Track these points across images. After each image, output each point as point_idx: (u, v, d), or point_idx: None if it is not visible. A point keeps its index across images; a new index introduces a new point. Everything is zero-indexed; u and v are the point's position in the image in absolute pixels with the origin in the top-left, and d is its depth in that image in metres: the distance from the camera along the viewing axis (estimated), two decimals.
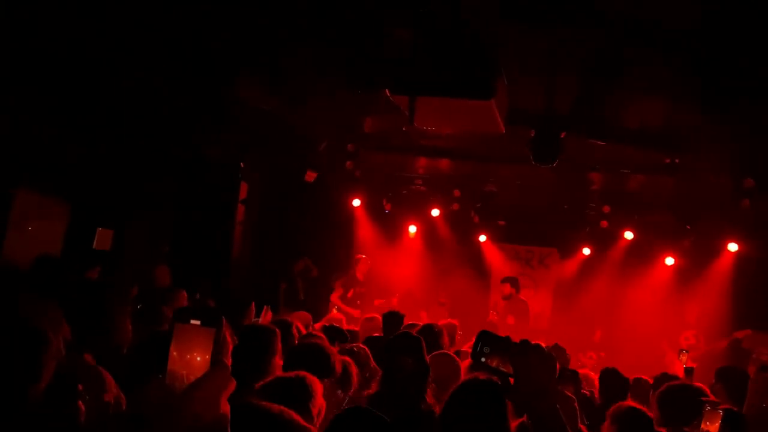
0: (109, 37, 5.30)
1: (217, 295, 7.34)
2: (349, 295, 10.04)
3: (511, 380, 1.74)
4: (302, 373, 2.64)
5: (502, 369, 1.78)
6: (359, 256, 10.38)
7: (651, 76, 4.65)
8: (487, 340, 1.81)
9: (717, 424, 3.08)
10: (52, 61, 5.66)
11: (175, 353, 1.25)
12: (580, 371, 6.64)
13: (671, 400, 3.75)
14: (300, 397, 2.44)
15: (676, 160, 7.24)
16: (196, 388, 1.19)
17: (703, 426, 3.23)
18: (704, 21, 3.67)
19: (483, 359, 1.80)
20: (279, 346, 3.82)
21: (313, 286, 9.99)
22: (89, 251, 8.09)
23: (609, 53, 4.23)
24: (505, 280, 9.97)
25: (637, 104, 5.38)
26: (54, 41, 5.34)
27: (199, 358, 1.24)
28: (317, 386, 2.59)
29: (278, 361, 3.76)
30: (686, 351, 6.22)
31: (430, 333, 4.30)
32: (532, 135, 4.64)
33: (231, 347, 3.10)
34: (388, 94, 4.44)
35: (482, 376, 2.36)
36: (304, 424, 1.38)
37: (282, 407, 1.39)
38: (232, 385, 1.24)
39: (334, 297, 9.85)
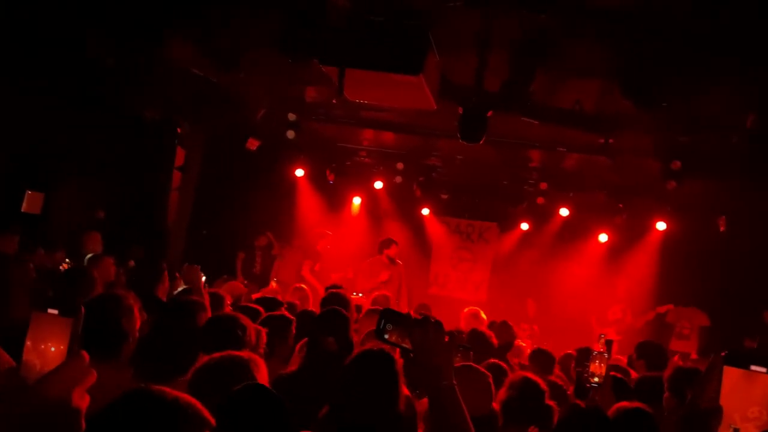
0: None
1: (151, 263, 7.20)
2: (316, 268, 10.08)
3: (411, 356, 1.79)
4: (232, 353, 2.62)
5: (402, 345, 1.83)
6: (323, 231, 10.34)
7: (582, 57, 4.73)
8: (390, 318, 1.85)
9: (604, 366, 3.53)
10: None
11: (29, 343, 1.21)
12: (515, 342, 6.84)
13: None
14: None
15: (610, 141, 7.43)
16: (46, 381, 1.15)
17: (591, 368, 3.59)
18: (641, 6, 3.74)
19: (386, 336, 1.84)
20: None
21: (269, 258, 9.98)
22: (18, 214, 7.79)
23: (540, 33, 4.27)
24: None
25: (569, 84, 5.47)
26: None
27: (53, 349, 1.20)
28: (258, 365, 2.57)
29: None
30: (603, 336, 6.53)
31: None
32: (460, 112, 4.67)
33: (138, 322, 3.04)
34: (319, 64, 4.38)
35: (376, 347, 2.41)
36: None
37: (178, 394, 1.35)
38: (91, 377, 1.20)
39: (305, 271, 9.84)
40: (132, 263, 7.41)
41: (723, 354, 1.40)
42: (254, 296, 6.75)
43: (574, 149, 8.43)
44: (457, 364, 2.70)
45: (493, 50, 4.48)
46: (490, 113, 4.62)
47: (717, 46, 4.10)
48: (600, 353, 4.17)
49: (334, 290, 6.06)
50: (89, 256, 7.15)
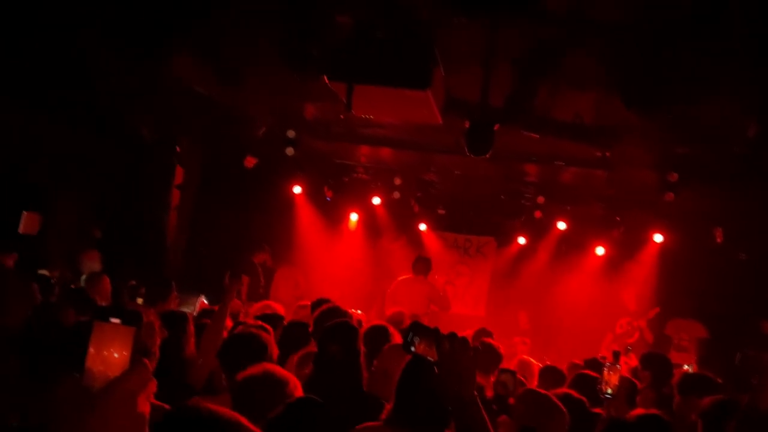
0: (41, 8, 5.04)
1: (150, 282, 7.17)
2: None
3: (435, 369, 1.86)
4: (268, 366, 2.64)
5: (429, 358, 1.89)
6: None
7: (583, 71, 4.80)
8: (417, 330, 1.92)
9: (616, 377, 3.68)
10: None
11: (92, 350, 1.24)
12: (519, 358, 6.83)
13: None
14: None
15: (607, 154, 7.51)
16: (113, 387, 1.17)
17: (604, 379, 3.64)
18: (632, 18, 3.81)
19: (412, 348, 1.90)
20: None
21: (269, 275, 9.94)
22: (15, 235, 7.74)
23: (541, 45, 4.34)
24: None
25: (570, 98, 5.54)
26: None
27: (117, 356, 1.23)
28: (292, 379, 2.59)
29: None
30: (630, 349, 6.62)
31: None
32: (467, 126, 4.71)
33: (159, 339, 3.04)
34: (327, 81, 4.42)
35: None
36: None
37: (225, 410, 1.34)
38: (153, 384, 1.23)
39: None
40: (133, 282, 7.37)
41: None
42: (252, 311, 6.72)
43: (572, 163, 8.51)
44: None
45: (496, 64, 4.54)
46: (497, 127, 4.67)
47: (717, 53, 4.17)
48: (611, 364, 4.19)
49: (328, 305, 6.07)
50: (85, 275, 7.13)
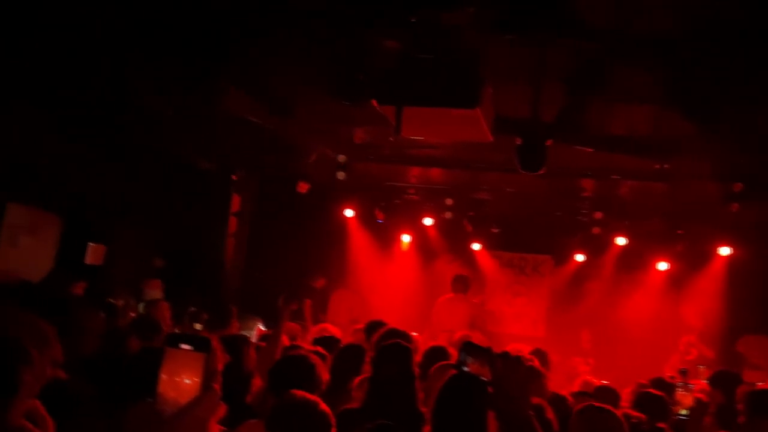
0: (100, 49, 5.31)
1: (209, 308, 7.33)
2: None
3: (489, 389, 1.83)
4: (303, 394, 2.65)
5: (482, 378, 1.86)
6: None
7: (636, 85, 4.69)
8: (470, 350, 1.90)
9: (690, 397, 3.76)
10: (45, 76, 5.67)
11: (165, 376, 1.27)
12: (583, 379, 6.62)
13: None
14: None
15: (666, 166, 7.28)
16: (185, 413, 1.20)
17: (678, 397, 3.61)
18: (689, 30, 3.70)
19: (465, 368, 1.87)
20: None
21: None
22: (81, 266, 8.09)
23: (594, 63, 4.27)
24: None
25: (623, 112, 5.41)
26: (46, 52, 5.35)
27: (188, 381, 1.25)
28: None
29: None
30: (703, 366, 6.37)
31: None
32: (519, 143, 4.67)
33: (221, 364, 3.09)
34: (376, 105, 4.46)
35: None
36: None
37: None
38: (222, 409, 1.26)
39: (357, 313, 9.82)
40: (193, 309, 7.56)
41: None
42: (309, 335, 6.77)
43: (629, 176, 8.28)
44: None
45: (546, 80, 4.49)
46: (549, 142, 4.60)
47: None
48: (684, 384, 4.04)
49: (385, 327, 6.05)
50: (144, 302, 7.37)
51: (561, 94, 4.71)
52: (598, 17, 3.82)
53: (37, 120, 6.68)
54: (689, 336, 9.92)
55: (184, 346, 1.30)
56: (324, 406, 2.68)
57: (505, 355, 1.85)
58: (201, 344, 1.29)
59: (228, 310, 5.37)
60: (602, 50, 4.14)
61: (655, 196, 8.83)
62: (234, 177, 8.96)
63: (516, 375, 1.80)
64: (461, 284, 8.53)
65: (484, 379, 1.86)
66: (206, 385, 1.25)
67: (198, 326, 5.95)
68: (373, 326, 6.22)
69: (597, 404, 3.17)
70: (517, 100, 4.68)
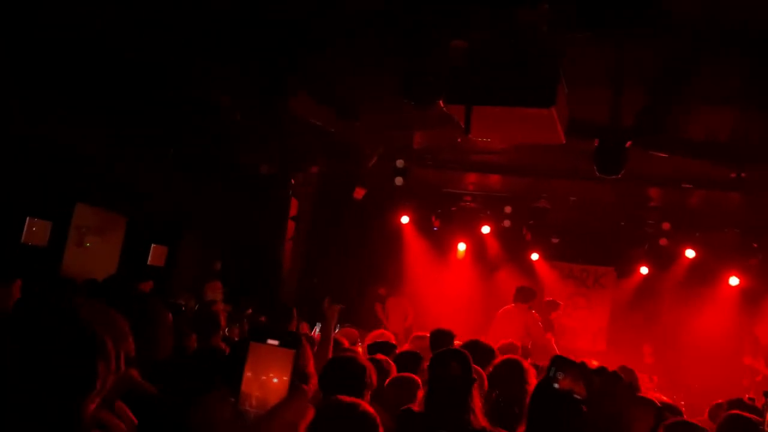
0: (173, 56, 5.40)
1: (268, 311, 7.35)
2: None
3: (584, 407, 1.67)
4: (358, 401, 2.57)
5: (575, 395, 1.71)
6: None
7: (721, 85, 4.42)
8: (561, 365, 1.74)
9: None
10: (114, 80, 5.80)
11: (249, 374, 1.17)
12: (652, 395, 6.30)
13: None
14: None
15: (742, 174, 6.88)
16: (273, 416, 1.10)
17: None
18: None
19: (556, 384, 1.72)
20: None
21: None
22: (144, 267, 8.26)
23: (678, 61, 4.03)
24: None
25: (704, 114, 5.12)
26: (115, 59, 5.47)
27: (276, 380, 1.15)
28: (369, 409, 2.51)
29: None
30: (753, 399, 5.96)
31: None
32: (596, 145, 4.45)
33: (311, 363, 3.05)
34: (442, 105, 4.34)
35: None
36: None
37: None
38: (311, 413, 1.15)
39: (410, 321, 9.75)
40: (250, 311, 7.59)
41: None
42: (366, 340, 6.70)
43: (701, 185, 7.89)
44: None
45: (623, 80, 4.28)
46: (629, 144, 4.38)
47: None
48: None
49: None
50: (202, 303, 7.43)
51: (638, 96, 4.49)
52: (686, 9, 3.59)
53: (105, 124, 6.85)
54: (747, 357, 9.33)
55: (271, 341, 1.18)
56: (368, 407, 2.61)
57: (602, 371, 1.68)
58: (290, 340, 1.17)
59: (289, 312, 5.33)
60: (688, 47, 3.90)
61: (729, 206, 8.38)
62: (293, 181, 8.98)
63: (617, 393, 1.63)
64: (522, 295, 8.30)
65: (578, 397, 1.69)
66: (295, 385, 1.14)
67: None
68: (438, 335, 6.11)
69: (687, 420, 2.96)
70: (592, 102, 4.49)
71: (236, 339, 5.85)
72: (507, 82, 3.78)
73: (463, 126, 4.27)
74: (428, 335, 6.54)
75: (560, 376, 1.71)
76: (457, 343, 6.80)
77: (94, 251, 7.63)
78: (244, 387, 1.17)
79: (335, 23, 4.69)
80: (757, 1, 3.42)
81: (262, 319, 6.85)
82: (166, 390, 2.97)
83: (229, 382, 1.27)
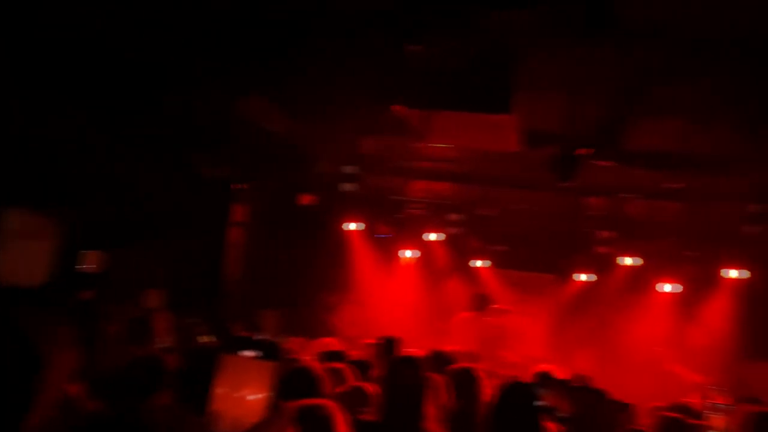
0: (114, 48, 5.12)
1: (211, 319, 7.10)
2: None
3: (566, 426, 1.64)
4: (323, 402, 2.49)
5: (558, 412, 1.68)
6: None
7: (670, 97, 4.54)
8: (545, 382, 1.71)
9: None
10: (51, 74, 5.47)
11: (222, 390, 1.03)
12: None
13: None
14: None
15: (683, 185, 7.16)
16: None
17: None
18: (732, 35, 3.57)
19: (539, 401, 1.69)
20: None
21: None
22: (78, 272, 7.83)
23: (631, 72, 4.12)
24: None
25: (652, 125, 5.27)
26: (55, 53, 5.16)
27: (253, 397, 1.01)
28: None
29: None
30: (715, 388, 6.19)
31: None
32: (552, 153, 4.50)
33: None
34: (399, 109, 4.30)
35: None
36: None
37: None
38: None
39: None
40: (192, 320, 7.31)
41: None
42: (313, 348, 6.59)
43: (641, 195, 8.16)
44: None
45: (579, 91, 4.34)
46: (584, 151, 4.44)
47: None
48: (718, 404, 4.00)
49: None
50: (143, 310, 7.12)
51: (592, 106, 4.57)
52: (639, 18, 3.67)
53: (38, 122, 6.47)
54: (669, 363, 9.60)
55: (247, 353, 1.05)
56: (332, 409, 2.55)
57: (586, 389, 1.65)
58: (269, 351, 1.04)
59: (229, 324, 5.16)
60: (640, 57, 3.99)
61: (666, 216, 8.70)
62: (238, 186, 8.74)
63: (602, 411, 1.61)
64: (478, 302, 8.33)
65: (562, 414, 1.66)
66: (276, 402, 1.01)
67: (206, 338, 5.71)
68: (386, 342, 6.07)
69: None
70: (547, 110, 4.53)
71: (181, 349, 5.60)
72: (465, 87, 3.76)
73: (420, 131, 4.24)
74: (376, 342, 6.49)
75: (543, 392, 1.69)
76: (412, 350, 6.77)
77: (25, 256, 7.19)
78: (215, 405, 1.03)
79: (290, 25, 4.57)
80: (707, 16, 3.53)
81: (205, 327, 6.59)
82: (111, 405, 2.78)
83: (182, 398, 1.14)
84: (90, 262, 8.07)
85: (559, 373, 6.76)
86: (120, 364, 3.67)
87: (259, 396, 1.02)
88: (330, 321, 9.90)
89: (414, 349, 7.71)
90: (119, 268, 8.38)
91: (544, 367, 6.89)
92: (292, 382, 3.30)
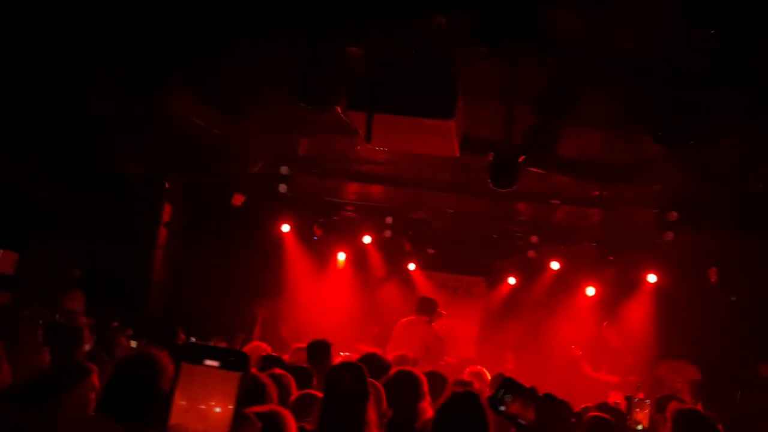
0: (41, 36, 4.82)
1: (135, 323, 6.81)
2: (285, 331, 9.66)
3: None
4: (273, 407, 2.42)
5: (521, 420, 1.69)
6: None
7: (593, 107, 4.74)
8: (511, 388, 1.72)
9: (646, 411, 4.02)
10: None
11: (183, 402, 0.95)
12: None
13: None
14: None
15: (605, 192, 7.46)
16: None
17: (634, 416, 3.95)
18: (652, 53, 3.76)
19: (502, 407, 1.69)
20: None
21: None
22: None
23: (556, 80, 4.27)
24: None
25: (578, 134, 5.48)
26: None
27: (218, 410, 0.95)
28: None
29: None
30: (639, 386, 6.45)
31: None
32: (491, 159, 4.59)
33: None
34: (339, 111, 4.26)
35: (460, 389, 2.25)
36: None
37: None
38: None
39: (285, 332, 9.35)
40: (116, 324, 6.98)
41: None
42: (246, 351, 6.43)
43: (567, 201, 8.45)
44: None
45: (514, 98, 4.45)
46: (522, 158, 4.55)
47: (735, 96, 4.14)
48: (641, 400, 4.17)
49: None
50: (62, 313, 6.74)
51: (527, 113, 4.70)
52: (572, 34, 3.81)
53: None
54: (587, 367, 9.94)
55: (210, 362, 0.99)
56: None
57: (551, 398, 1.67)
58: (234, 360, 0.99)
59: (172, 328, 4.97)
60: (572, 69, 4.14)
61: (590, 222, 9.05)
62: (167, 184, 8.42)
63: (562, 420, 1.63)
64: (425, 307, 8.22)
65: (523, 422, 1.67)
66: (242, 415, 0.96)
67: (133, 344, 5.44)
68: (317, 346, 5.97)
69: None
70: (485, 116, 4.62)
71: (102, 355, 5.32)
72: (407, 91, 3.77)
73: (361, 133, 4.22)
74: (307, 346, 6.40)
75: (508, 399, 1.69)
76: (349, 355, 6.71)
77: None
78: (175, 419, 0.96)
79: (225, 22, 4.45)
80: (628, 33, 3.71)
81: (129, 331, 6.29)
82: (23, 412, 2.60)
83: (114, 408, 1.06)
84: (2, 263, 7.56)
85: (489, 374, 6.90)
86: (37, 370, 3.45)
87: (226, 408, 0.96)
88: (260, 324, 9.70)
89: (347, 353, 7.71)
90: (34, 270, 7.89)
91: (475, 368, 7.02)
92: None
